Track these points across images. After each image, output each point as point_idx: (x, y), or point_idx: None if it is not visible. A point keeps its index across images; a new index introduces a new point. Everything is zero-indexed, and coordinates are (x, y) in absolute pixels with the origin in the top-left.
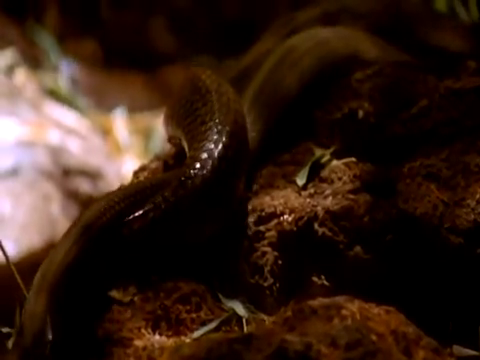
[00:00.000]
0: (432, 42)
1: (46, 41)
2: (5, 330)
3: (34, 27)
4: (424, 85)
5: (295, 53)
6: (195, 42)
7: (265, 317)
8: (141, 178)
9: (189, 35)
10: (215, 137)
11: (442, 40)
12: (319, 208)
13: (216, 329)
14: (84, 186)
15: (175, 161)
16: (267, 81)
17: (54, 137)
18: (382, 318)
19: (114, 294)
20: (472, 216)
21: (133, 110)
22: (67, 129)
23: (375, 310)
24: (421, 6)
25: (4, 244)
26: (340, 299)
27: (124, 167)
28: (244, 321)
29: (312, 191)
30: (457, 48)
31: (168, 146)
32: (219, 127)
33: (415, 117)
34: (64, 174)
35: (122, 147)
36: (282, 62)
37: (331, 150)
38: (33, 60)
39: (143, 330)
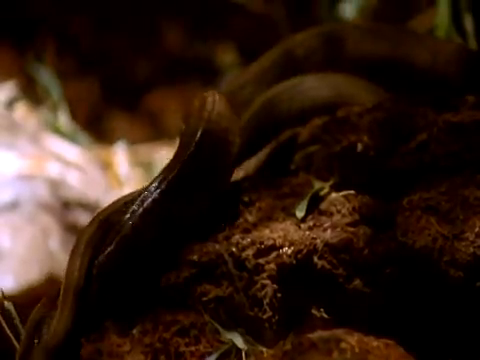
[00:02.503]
0: (433, 73)
1: (46, 77)
2: None
3: (34, 63)
4: (423, 118)
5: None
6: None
7: (264, 350)
8: None
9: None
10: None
11: (441, 71)
12: (318, 241)
13: None
14: (83, 219)
15: None
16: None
17: (53, 170)
18: (381, 351)
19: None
20: (471, 249)
21: (133, 143)
22: (67, 162)
23: (374, 343)
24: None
25: (3, 278)
26: (339, 332)
27: None
28: (243, 354)
29: (311, 224)
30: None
31: None
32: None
33: (414, 151)
34: (64, 207)
35: (122, 179)
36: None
37: (330, 183)
38: (33, 95)
39: None
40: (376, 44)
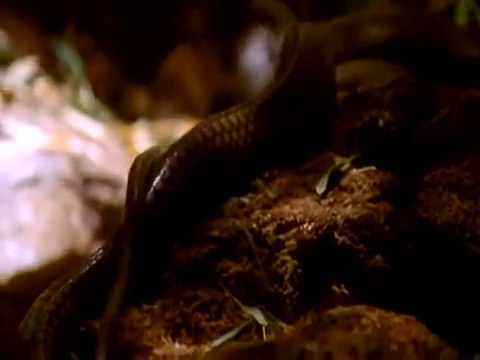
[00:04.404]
0: (454, 52)
1: (67, 54)
2: None
3: (55, 40)
4: (445, 94)
5: None
6: None
7: (284, 325)
8: None
9: None
10: None
11: (463, 50)
12: (339, 217)
13: (236, 337)
14: (104, 195)
15: None
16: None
17: (75, 146)
18: (403, 327)
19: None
20: None
21: (154, 119)
22: (88, 138)
23: (395, 319)
24: (442, 18)
25: (25, 253)
26: (360, 308)
27: None
28: (264, 329)
29: (332, 200)
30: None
31: None
32: None
33: (436, 126)
34: (84, 183)
35: None
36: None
37: (351, 159)
38: (53, 71)
39: (163, 338)
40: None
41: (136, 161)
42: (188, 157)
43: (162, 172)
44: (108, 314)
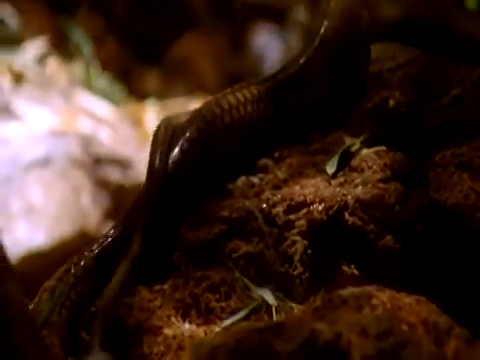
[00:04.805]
0: (461, 35)
1: (77, 34)
2: None
3: (66, 20)
4: (456, 74)
5: None
6: None
7: (294, 306)
8: None
9: None
10: None
11: (473, 33)
12: (349, 197)
13: (246, 318)
14: (115, 175)
15: None
16: None
17: (85, 126)
18: (413, 308)
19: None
20: None
21: (164, 98)
22: (98, 119)
23: (406, 300)
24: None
25: (36, 234)
26: (370, 288)
27: None
28: (274, 310)
29: (342, 180)
30: None
31: None
32: None
33: (447, 106)
34: (95, 163)
35: None
36: None
37: (361, 139)
38: (64, 51)
39: (173, 318)
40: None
41: (158, 128)
42: (207, 129)
43: (181, 143)
44: (105, 298)
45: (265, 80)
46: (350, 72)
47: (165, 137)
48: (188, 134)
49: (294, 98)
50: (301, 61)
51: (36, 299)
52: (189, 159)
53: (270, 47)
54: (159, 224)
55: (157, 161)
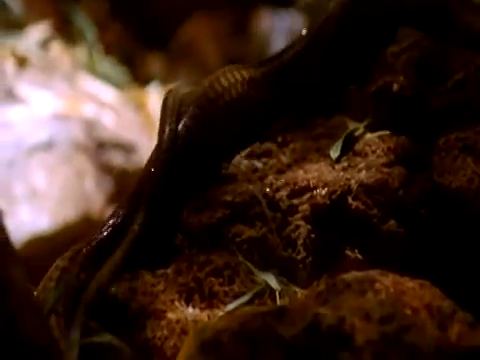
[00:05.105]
0: (465, 25)
1: (81, 18)
2: None
3: (70, 4)
4: (460, 58)
5: None
6: None
7: (298, 290)
8: None
9: None
10: None
11: (476, 24)
12: (353, 182)
13: (249, 302)
14: (118, 160)
15: None
16: None
17: (88, 110)
18: (416, 292)
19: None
20: None
21: (168, 82)
22: (101, 103)
23: (409, 284)
24: None
25: (39, 218)
26: (374, 273)
27: None
28: (277, 294)
29: (346, 164)
30: None
31: None
32: None
33: (451, 90)
34: (98, 147)
35: (156, 121)
36: None
37: (365, 123)
38: (67, 35)
39: (176, 303)
40: None
41: (167, 98)
42: (209, 107)
43: (184, 121)
44: (90, 289)
45: (269, 60)
46: (363, 53)
47: (174, 107)
48: (191, 111)
49: (294, 78)
50: (303, 42)
51: (42, 288)
52: (192, 136)
53: (276, 31)
54: (163, 200)
55: (167, 130)
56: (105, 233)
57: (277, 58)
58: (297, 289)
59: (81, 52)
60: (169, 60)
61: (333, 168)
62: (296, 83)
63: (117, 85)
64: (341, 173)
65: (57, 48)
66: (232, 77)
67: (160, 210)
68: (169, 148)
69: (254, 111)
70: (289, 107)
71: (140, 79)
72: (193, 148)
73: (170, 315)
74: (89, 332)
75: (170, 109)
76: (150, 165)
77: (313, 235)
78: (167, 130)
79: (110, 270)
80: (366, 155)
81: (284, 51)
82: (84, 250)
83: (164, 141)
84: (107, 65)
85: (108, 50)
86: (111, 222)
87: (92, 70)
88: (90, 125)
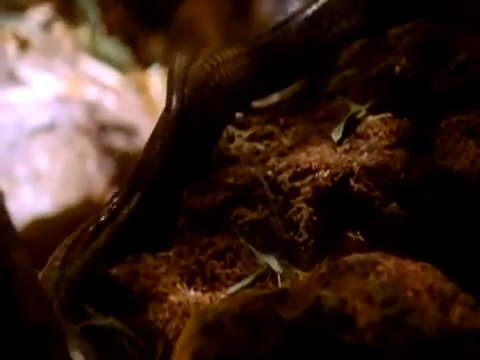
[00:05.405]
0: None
1: (84, 0)
2: None
3: None
4: (462, 40)
5: None
6: None
7: (300, 273)
8: None
9: None
10: None
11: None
12: (355, 164)
13: (251, 285)
14: (119, 142)
15: None
16: None
17: (90, 93)
18: (418, 274)
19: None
20: None
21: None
22: (103, 85)
23: (411, 266)
24: None
25: (41, 200)
26: (376, 255)
27: None
28: (279, 277)
29: (348, 147)
30: None
31: None
32: None
33: (452, 72)
34: (100, 130)
35: (157, 103)
36: None
37: (367, 106)
38: (70, 17)
39: (178, 285)
40: None
41: (173, 69)
42: (202, 88)
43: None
44: (71, 269)
45: (258, 37)
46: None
47: (179, 77)
48: (186, 92)
49: (281, 58)
50: (292, 20)
51: (46, 272)
52: (188, 116)
53: (276, 11)
54: (163, 179)
55: (174, 100)
56: (110, 214)
57: (269, 33)
58: (299, 272)
59: (83, 32)
60: (170, 41)
61: (335, 150)
62: (282, 61)
63: (119, 66)
64: (343, 155)
65: (59, 30)
66: (221, 56)
67: (159, 188)
68: (177, 115)
69: (245, 85)
70: (277, 82)
71: (142, 61)
72: (190, 126)
73: (172, 298)
74: (87, 316)
75: (176, 79)
76: (154, 140)
77: (315, 217)
78: (174, 98)
79: (91, 254)
80: (368, 137)
81: (273, 29)
82: (91, 228)
83: (172, 108)
84: (109, 46)
85: (110, 31)
86: (114, 204)
87: (94, 51)
88: (92, 107)
